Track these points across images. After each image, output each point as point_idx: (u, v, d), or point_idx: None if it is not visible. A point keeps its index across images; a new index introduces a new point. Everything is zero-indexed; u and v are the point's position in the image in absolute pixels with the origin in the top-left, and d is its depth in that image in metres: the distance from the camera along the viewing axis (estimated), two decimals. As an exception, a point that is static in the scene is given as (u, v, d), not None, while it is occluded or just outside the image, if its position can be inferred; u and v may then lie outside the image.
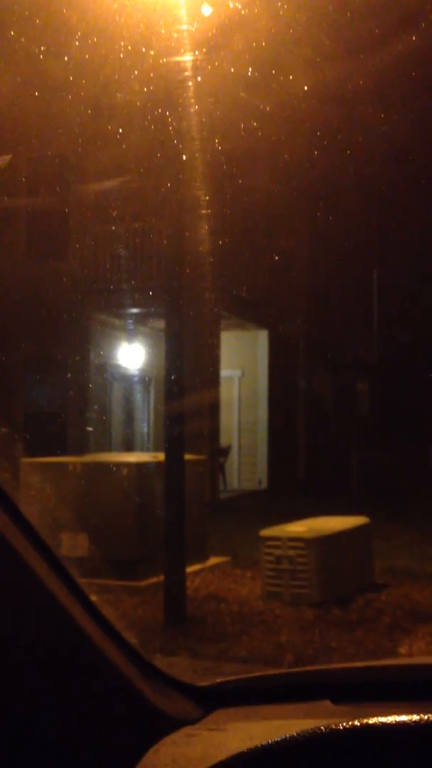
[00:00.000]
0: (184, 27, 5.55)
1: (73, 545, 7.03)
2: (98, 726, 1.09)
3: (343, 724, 0.98)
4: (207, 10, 6.14)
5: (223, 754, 1.03)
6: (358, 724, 0.99)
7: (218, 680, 1.37)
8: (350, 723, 0.98)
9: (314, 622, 6.10)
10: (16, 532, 0.98)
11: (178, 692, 1.29)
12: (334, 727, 0.98)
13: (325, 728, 0.97)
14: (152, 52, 6.30)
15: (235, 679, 1.38)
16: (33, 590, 1.01)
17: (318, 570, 6.62)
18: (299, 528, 7.03)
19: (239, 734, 1.13)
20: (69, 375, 14.10)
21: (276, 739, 0.98)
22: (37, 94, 11.25)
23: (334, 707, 1.22)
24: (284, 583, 6.64)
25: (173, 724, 1.18)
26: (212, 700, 1.31)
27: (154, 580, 6.80)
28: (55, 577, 1.06)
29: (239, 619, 6.22)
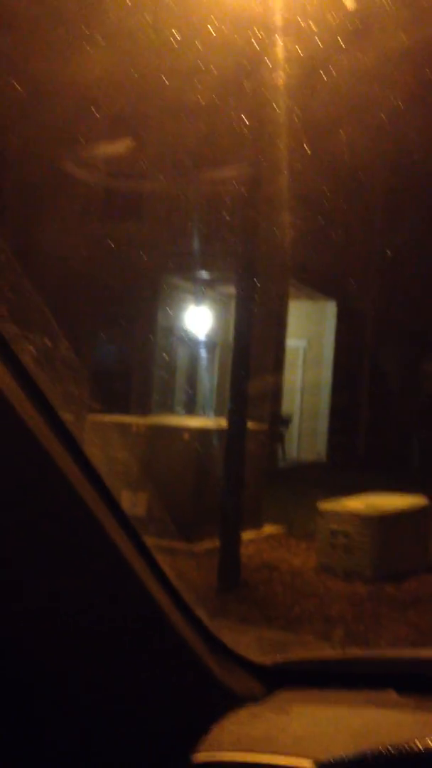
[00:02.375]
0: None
1: (132, 503, 7.14)
2: (166, 698, 1.10)
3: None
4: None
5: (287, 738, 1.03)
6: None
7: (281, 659, 1.38)
8: None
9: (366, 599, 6.10)
10: (91, 491, 0.96)
11: (241, 668, 1.30)
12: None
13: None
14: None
15: (298, 659, 1.38)
16: (107, 556, 1.01)
17: (373, 547, 6.60)
18: (357, 504, 7.00)
19: (303, 718, 1.14)
20: (136, 336, 14.22)
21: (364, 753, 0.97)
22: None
23: (399, 698, 1.22)
24: (338, 558, 6.64)
25: (237, 700, 1.19)
26: (275, 679, 1.32)
27: (209, 544, 6.87)
28: (130, 543, 1.06)
29: (291, 590, 6.25)
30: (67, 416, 0.89)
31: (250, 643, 4.76)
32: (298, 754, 1.03)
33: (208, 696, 1.16)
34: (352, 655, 1.45)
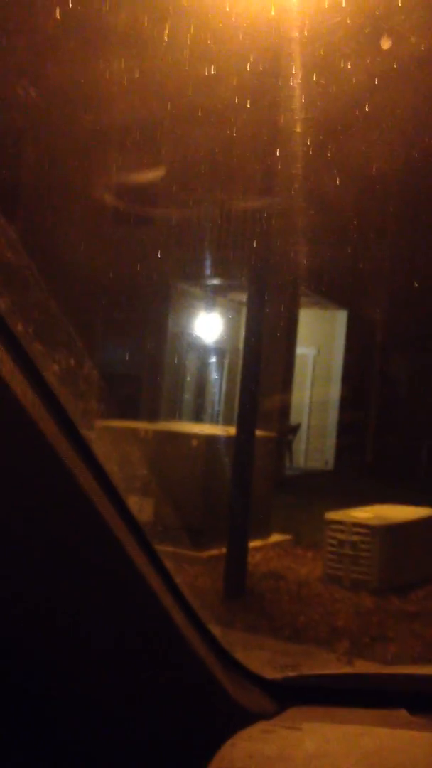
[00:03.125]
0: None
1: (139, 509, 7.13)
2: (177, 714, 1.10)
3: None
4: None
5: (300, 756, 1.03)
6: None
7: (291, 674, 1.38)
8: None
9: (373, 610, 6.08)
10: (102, 496, 0.96)
11: (253, 684, 1.30)
12: None
13: None
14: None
15: (310, 675, 1.38)
16: (120, 565, 1.01)
17: (380, 558, 6.58)
18: (365, 514, 6.99)
19: (316, 736, 1.13)
20: (146, 341, 14.24)
21: None
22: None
23: (410, 718, 1.22)
24: (345, 568, 6.62)
25: (248, 717, 1.19)
26: (285, 695, 1.31)
27: (215, 551, 6.87)
28: (142, 552, 1.06)
29: (297, 599, 6.24)
30: (89, 433, 0.90)
31: (256, 653, 4.75)
32: None
33: (220, 712, 1.16)
34: (363, 672, 1.44)
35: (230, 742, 1.13)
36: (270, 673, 1.34)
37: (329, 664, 4.70)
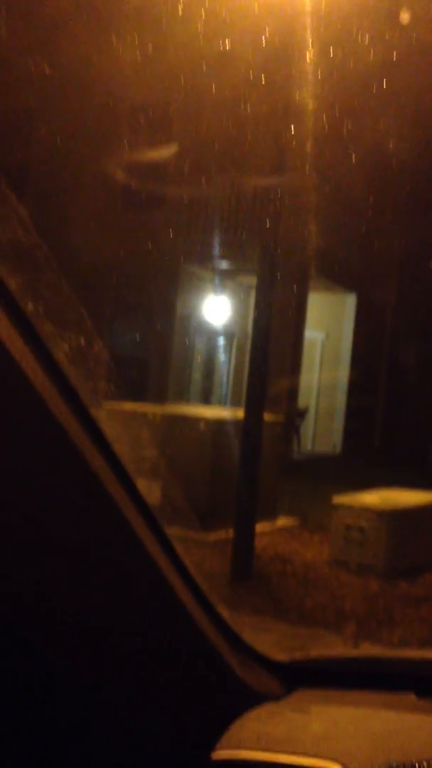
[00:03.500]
0: None
1: (147, 492, 7.16)
2: (186, 695, 1.11)
3: None
4: None
5: (308, 738, 1.03)
6: None
7: (299, 657, 1.38)
8: None
9: (379, 594, 6.09)
10: (111, 477, 0.96)
11: (261, 666, 1.30)
12: None
13: None
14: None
15: (317, 658, 1.38)
16: (130, 547, 1.01)
17: (387, 542, 6.58)
18: (372, 498, 6.99)
19: (323, 718, 1.13)
20: (154, 323, 14.22)
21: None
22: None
23: (418, 701, 1.21)
24: (352, 552, 6.63)
25: (256, 698, 1.19)
26: (293, 677, 1.32)
27: (222, 534, 6.88)
28: (151, 533, 1.05)
29: (304, 582, 6.26)
30: (98, 413, 0.89)
31: (262, 636, 4.77)
32: (319, 755, 1.03)
33: (229, 693, 1.16)
34: (371, 655, 1.44)
35: (238, 723, 1.13)
36: (277, 655, 1.34)
37: (336, 648, 4.72)
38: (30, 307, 0.78)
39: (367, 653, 1.49)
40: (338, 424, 15.48)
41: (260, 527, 7.02)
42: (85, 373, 0.89)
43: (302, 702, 1.22)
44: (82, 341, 0.90)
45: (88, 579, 0.97)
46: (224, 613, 1.22)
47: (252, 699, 1.19)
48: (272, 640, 4.76)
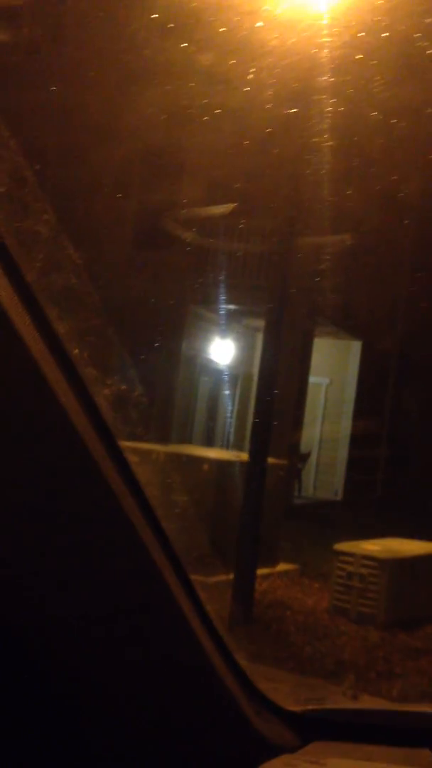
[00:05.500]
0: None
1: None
2: (203, 743, 1.10)
3: None
4: None
5: None
6: None
7: (313, 707, 1.37)
8: None
9: (379, 644, 6.03)
10: (142, 521, 0.97)
11: (274, 715, 1.29)
12: None
13: None
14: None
15: (331, 709, 1.37)
16: (157, 590, 1.01)
17: (388, 592, 6.53)
18: (374, 547, 6.94)
19: None
20: (159, 362, 14.26)
21: None
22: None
23: None
24: (352, 600, 6.57)
25: (272, 749, 1.18)
26: (307, 728, 1.31)
27: (222, 577, 6.82)
28: (177, 578, 1.06)
29: (303, 630, 6.19)
30: (133, 458, 0.91)
31: (261, 684, 4.70)
32: None
33: (245, 743, 1.16)
34: (384, 708, 1.43)
35: None
36: (291, 705, 1.33)
37: (335, 698, 4.65)
38: (76, 351, 0.81)
39: (380, 707, 1.48)
40: (340, 470, 15.43)
41: (260, 572, 6.96)
42: (123, 417, 0.91)
43: (318, 754, 1.21)
44: (123, 387, 0.92)
45: (116, 618, 0.97)
46: (242, 660, 1.21)
47: (268, 750, 1.18)
48: (271, 688, 4.69)
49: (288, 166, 6.80)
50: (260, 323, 12.70)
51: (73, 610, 0.94)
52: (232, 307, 14.42)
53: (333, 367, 15.68)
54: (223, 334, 14.90)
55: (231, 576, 6.38)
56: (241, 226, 13.54)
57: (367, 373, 15.56)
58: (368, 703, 4.39)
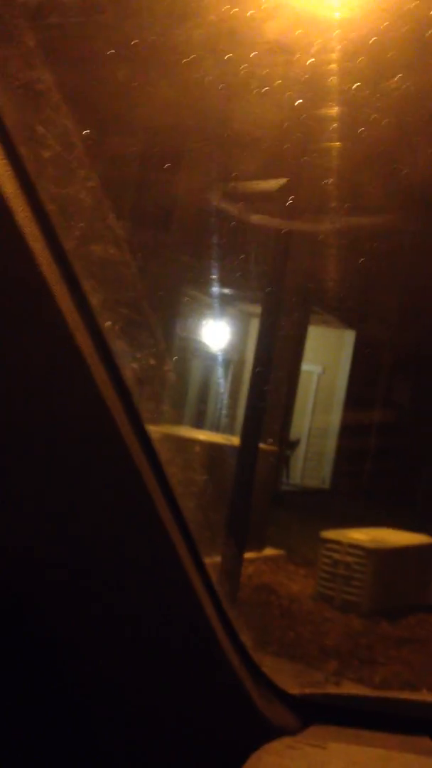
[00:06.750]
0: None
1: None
2: (207, 724, 1.10)
3: None
4: None
5: None
6: None
7: (313, 690, 1.37)
8: None
9: (362, 632, 6.06)
10: (164, 501, 0.97)
11: (276, 698, 1.30)
12: None
13: None
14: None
15: (332, 694, 1.38)
16: (172, 569, 1.01)
17: (373, 581, 6.56)
18: (361, 535, 6.97)
19: (342, 756, 1.13)
20: (153, 342, 14.22)
21: None
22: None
23: None
24: (337, 588, 6.61)
25: (273, 731, 1.19)
26: (307, 711, 1.31)
27: (207, 559, 6.83)
28: (191, 557, 1.06)
29: (287, 615, 6.22)
30: (156, 433, 0.90)
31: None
32: None
33: (249, 726, 1.16)
34: (385, 695, 1.45)
35: (256, 756, 1.12)
36: (294, 689, 1.34)
37: (318, 684, 4.69)
38: (108, 323, 0.80)
39: (381, 694, 1.50)
40: (328, 459, 15.49)
41: (247, 555, 6.99)
42: (150, 393, 0.91)
43: (319, 738, 1.22)
44: (152, 362, 0.92)
45: (128, 592, 0.97)
46: (248, 642, 1.21)
47: (270, 732, 1.19)
48: (303, 690, 4.72)
49: (290, 155, 6.75)
50: (253, 308, 12.69)
51: (84, 580, 0.94)
52: (227, 291, 14.39)
53: (326, 355, 15.70)
54: (218, 318, 14.88)
55: (217, 558, 6.40)
56: (240, 207, 13.45)
57: (360, 362, 15.59)
58: (351, 689, 4.42)
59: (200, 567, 1.07)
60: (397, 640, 5.97)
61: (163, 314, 13.89)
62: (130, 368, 0.85)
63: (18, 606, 0.89)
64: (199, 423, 14.89)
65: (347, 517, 8.81)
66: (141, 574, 0.97)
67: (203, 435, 8.73)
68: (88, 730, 1.02)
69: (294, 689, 1.37)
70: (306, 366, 14.66)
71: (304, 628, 5.95)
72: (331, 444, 15.53)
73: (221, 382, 15.61)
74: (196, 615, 1.06)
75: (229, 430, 12.57)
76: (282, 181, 7.16)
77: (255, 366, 6.77)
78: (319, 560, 6.82)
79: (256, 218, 12.90)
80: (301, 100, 6.71)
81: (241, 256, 13.33)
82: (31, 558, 0.86)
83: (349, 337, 15.64)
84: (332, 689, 1.48)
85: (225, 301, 14.78)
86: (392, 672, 5.35)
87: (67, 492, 0.84)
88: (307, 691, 1.39)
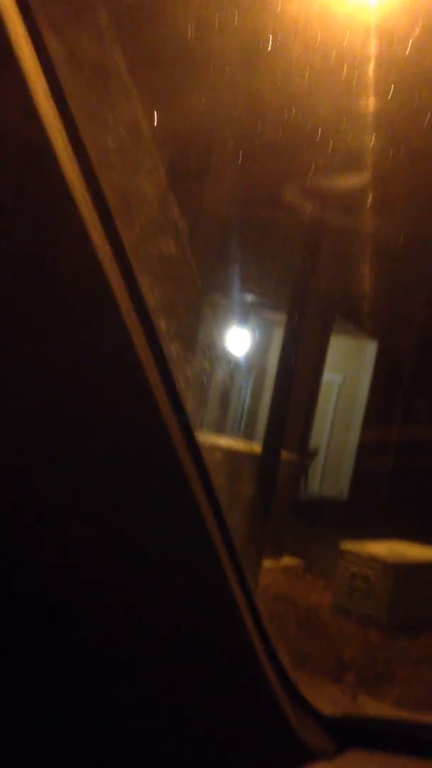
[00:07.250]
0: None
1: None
2: (244, 745, 1.06)
3: None
4: None
5: None
6: None
7: (348, 713, 1.33)
8: None
9: (380, 647, 5.99)
10: (210, 511, 0.94)
11: (311, 719, 1.25)
12: None
13: None
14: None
15: (371, 717, 1.34)
16: (216, 582, 0.98)
17: (392, 595, 6.49)
18: (380, 549, 6.90)
19: None
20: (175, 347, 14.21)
21: None
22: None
23: None
24: (355, 601, 6.54)
25: (309, 755, 1.15)
26: (343, 734, 1.27)
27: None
28: (235, 572, 1.02)
29: (305, 626, 6.16)
30: (203, 442, 0.87)
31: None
32: None
33: (285, 748, 1.12)
34: (424, 719, 1.40)
35: None
36: (328, 710, 1.29)
37: (335, 698, 4.62)
38: (163, 324, 0.76)
39: (421, 718, 1.45)
40: (347, 469, 15.39)
41: (265, 564, 6.94)
42: (199, 399, 0.87)
43: (355, 763, 1.18)
44: (207, 367, 0.88)
45: (170, 603, 0.93)
46: (285, 661, 1.17)
47: (305, 755, 1.14)
48: (337, 712, 4.67)
49: (317, 167, 6.72)
50: (276, 316, 12.64)
51: (128, 589, 0.90)
52: (250, 297, 14.35)
53: (347, 365, 15.62)
54: (240, 325, 14.84)
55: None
56: (266, 215, 13.40)
57: (381, 374, 15.49)
58: (368, 704, 4.36)
59: (242, 582, 1.03)
60: (416, 657, 5.89)
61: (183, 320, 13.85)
62: (182, 373, 0.81)
63: (63, 620, 0.86)
64: (216, 429, 14.85)
65: (366, 528, 8.72)
66: (187, 590, 0.93)
67: (224, 441, 8.68)
68: (124, 748, 0.99)
69: (328, 708, 1.33)
70: (327, 375, 14.60)
71: (320, 640, 5.90)
72: (350, 454, 15.43)
73: (242, 388, 15.58)
74: (238, 631, 1.02)
75: (249, 436, 12.51)
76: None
77: (277, 374, 6.73)
78: (338, 572, 6.76)
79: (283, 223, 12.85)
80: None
81: (267, 263, 13.30)
82: (77, 573, 0.83)
83: (371, 347, 15.56)
84: (368, 710, 1.44)
85: (248, 307, 14.75)
86: (409, 690, 5.28)
87: (118, 499, 0.81)
88: (344, 712, 1.35)
